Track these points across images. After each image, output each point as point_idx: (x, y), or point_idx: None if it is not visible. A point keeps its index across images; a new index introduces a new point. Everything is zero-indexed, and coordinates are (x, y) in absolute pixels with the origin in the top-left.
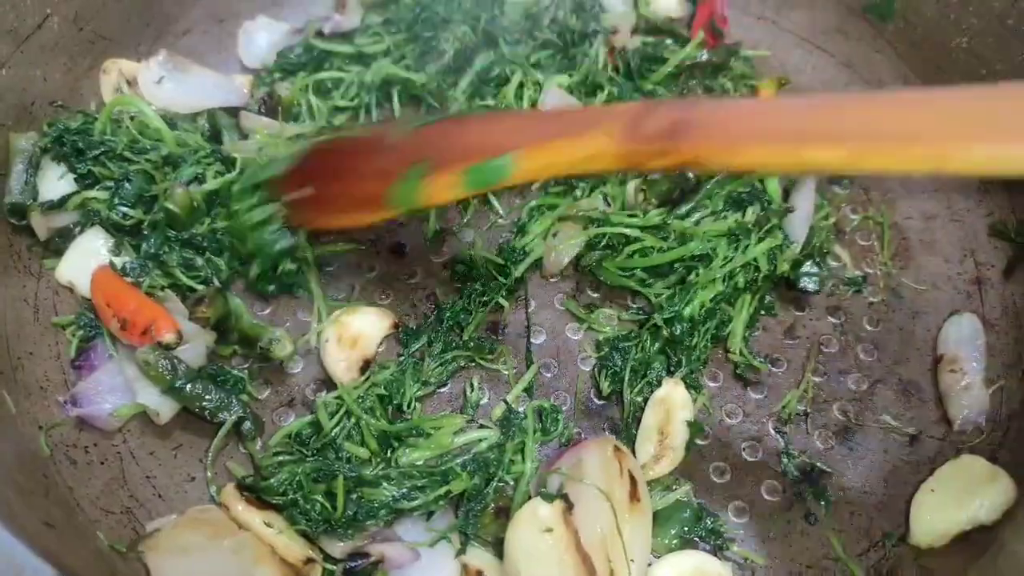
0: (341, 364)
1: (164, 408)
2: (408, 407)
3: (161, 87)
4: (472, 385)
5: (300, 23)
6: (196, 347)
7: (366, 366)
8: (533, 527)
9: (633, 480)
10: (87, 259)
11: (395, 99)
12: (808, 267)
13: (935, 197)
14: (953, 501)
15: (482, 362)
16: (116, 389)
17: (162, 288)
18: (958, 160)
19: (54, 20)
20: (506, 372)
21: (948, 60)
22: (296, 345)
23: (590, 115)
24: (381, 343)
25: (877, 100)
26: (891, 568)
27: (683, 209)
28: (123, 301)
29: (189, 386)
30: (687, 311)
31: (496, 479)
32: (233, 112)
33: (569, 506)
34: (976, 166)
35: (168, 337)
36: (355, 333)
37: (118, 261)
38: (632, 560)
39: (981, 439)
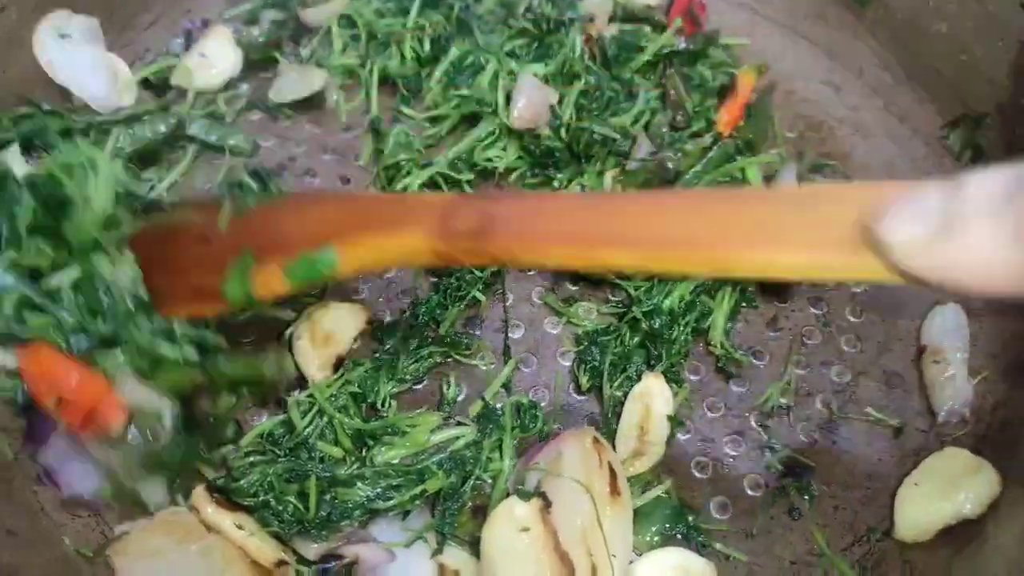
0: (314, 362)
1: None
2: (383, 405)
3: (59, 44)
4: (449, 382)
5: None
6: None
7: (339, 363)
8: (510, 526)
9: (613, 473)
10: None
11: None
12: None
13: None
14: (937, 494)
15: (459, 358)
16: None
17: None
18: (738, 265)
19: (11, 12)
20: (484, 368)
21: (927, 46)
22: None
23: (404, 206)
24: (355, 340)
25: (663, 202)
26: (876, 563)
27: None
28: (58, 377)
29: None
30: (666, 304)
31: (473, 477)
32: None
33: (547, 504)
34: (756, 271)
35: (115, 427)
36: (327, 330)
37: None
38: (614, 556)
39: (965, 430)
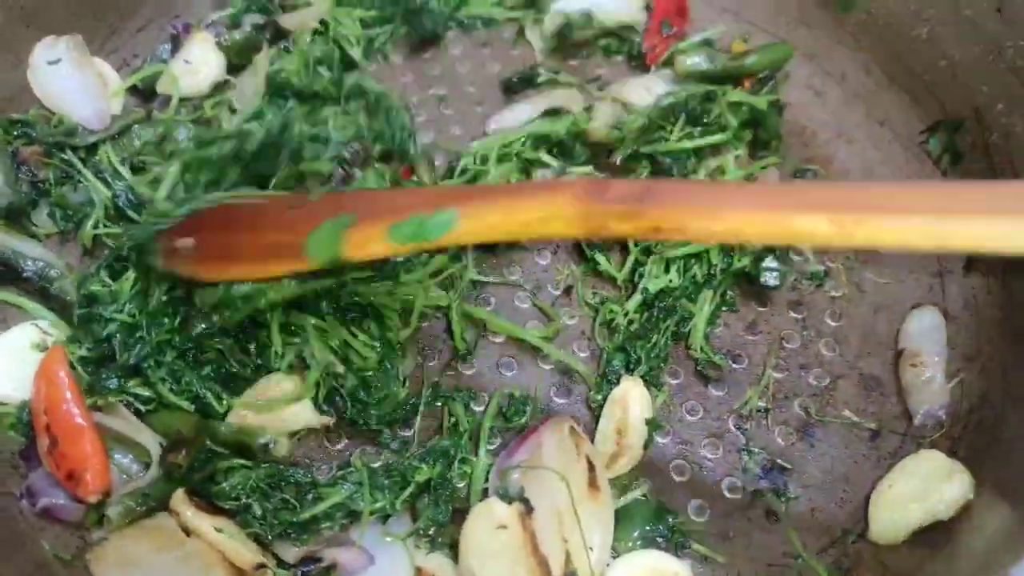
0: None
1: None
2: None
3: (50, 70)
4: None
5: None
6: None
7: None
8: (488, 524)
9: (591, 466)
10: (16, 361)
11: None
12: (769, 262)
13: None
14: (911, 497)
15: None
16: None
17: (105, 400)
18: (958, 235)
19: None
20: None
21: (909, 50)
22: (293, 441)
23: (545, 183)
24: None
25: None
26: (852, 564)
27: None
28: (62, 419)
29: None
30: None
31: (457, 461)
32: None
33: (528, 509)
34: (976, 241)
35: (91, 498)
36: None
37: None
38: (590, 548)
39: (941, 433)
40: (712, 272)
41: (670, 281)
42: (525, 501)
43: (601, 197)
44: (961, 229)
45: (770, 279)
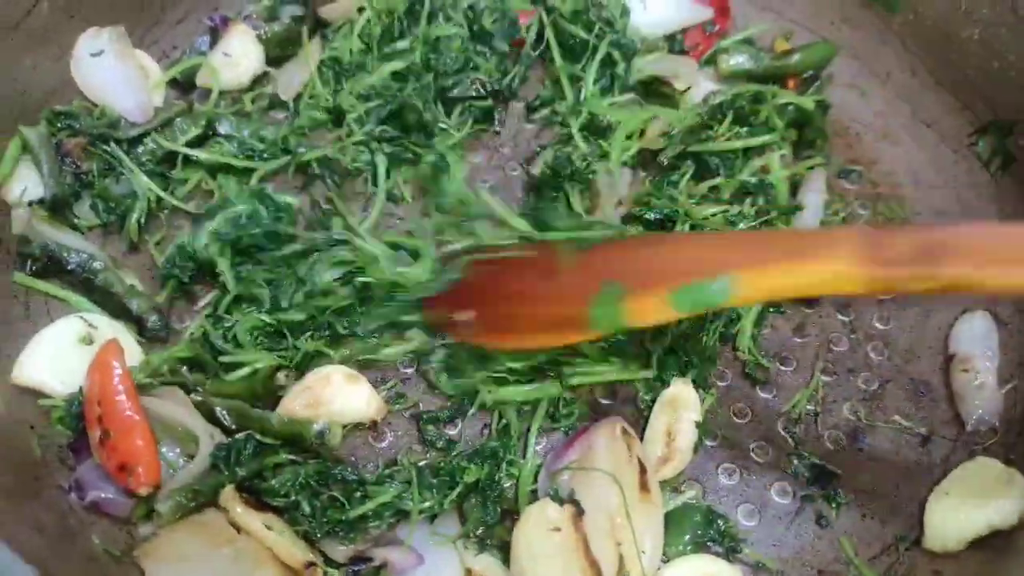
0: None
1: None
2: None
3: (93, 62)
4: None
5: None
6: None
7: None
8: (541, 526)
9: (643, 468)
10: (63, 355)
11: None
12: None
13: (945, 193)
14: (968, 504)
15: None
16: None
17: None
18: None
19: (43, 7)
20: None
21: (958, 52)
22: (344, 429)
23: (818, 237)
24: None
25: None
26: (905, 572)
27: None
28: (115, 412)
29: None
30: None
31: (505, 463)
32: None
33: (579, 512)
34: None
35: (142, 490)
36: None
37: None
38: (643, 552)
39: (994, 440)
40: None
41: None
42: (576, 503)
43: (885, 255)
44: None
45: None
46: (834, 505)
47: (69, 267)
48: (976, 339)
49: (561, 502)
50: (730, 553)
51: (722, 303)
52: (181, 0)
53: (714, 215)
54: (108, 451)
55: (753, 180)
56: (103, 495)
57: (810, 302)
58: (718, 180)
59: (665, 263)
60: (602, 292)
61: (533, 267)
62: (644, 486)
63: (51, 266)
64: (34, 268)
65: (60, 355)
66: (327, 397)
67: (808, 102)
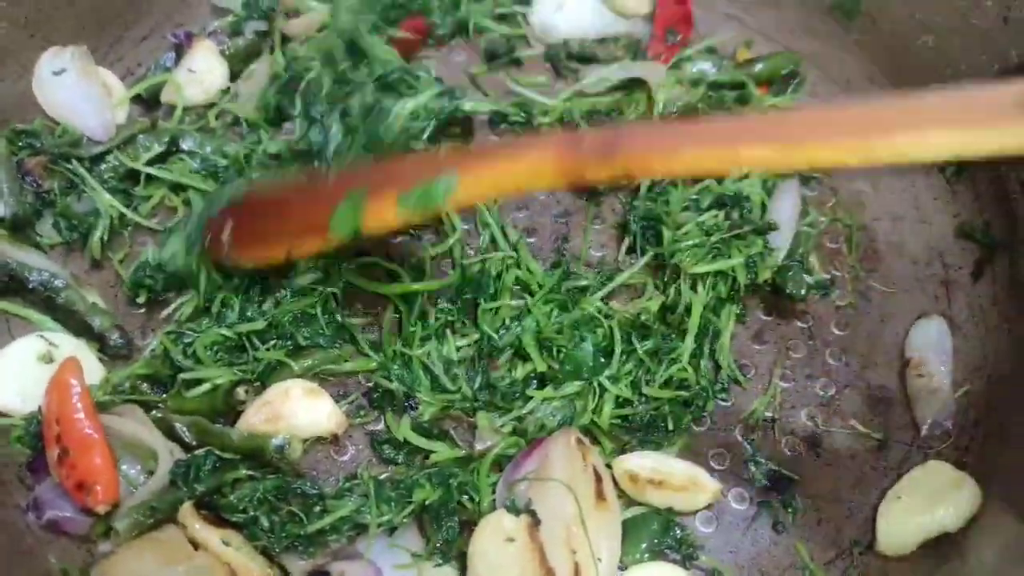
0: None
1: None
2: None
3: (55, 80)
4: None
5: None
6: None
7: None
8: (497, 537)
9: (598, 477)
10: (23, 373)
11: None
12: (795, 272)
13: (903, 198)
14: (919, 508)
15: None
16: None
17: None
18: (883, 149)
19: (3, 25)
20: None
21: (914, 59)
22: (304, 444)
23: (527, 140)
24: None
25: (798, 112)
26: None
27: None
28: (74, 430)
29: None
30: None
31: (461, 489)
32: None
33: (535, 521)
34: (899, 154)
35: (100, 508)
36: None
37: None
38: (599, 559)
39: (948, 443)
40: (736, 289)
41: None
42: (532, 513)
43: (578, 148)
44: (883, 144)
45: (797, 289)
46: (790, 511)
47: (30, 286)
48: (931, 344)
49: (517, 512)
50: (687, 560)
51: (446, 197)
52: (145, 17)
53: (697, 224)
54: (67, 469)
55: (730, 192)
56: (61, 514)
57: (768, 309)
58: (699, 187)
59: (404, 172)
60: (347, 198)
61: (296, 189)
62: (600, 495)
63: (12, 285)
64: None
65: (20, 374)
66: (287, 411)
67: (789, 103)
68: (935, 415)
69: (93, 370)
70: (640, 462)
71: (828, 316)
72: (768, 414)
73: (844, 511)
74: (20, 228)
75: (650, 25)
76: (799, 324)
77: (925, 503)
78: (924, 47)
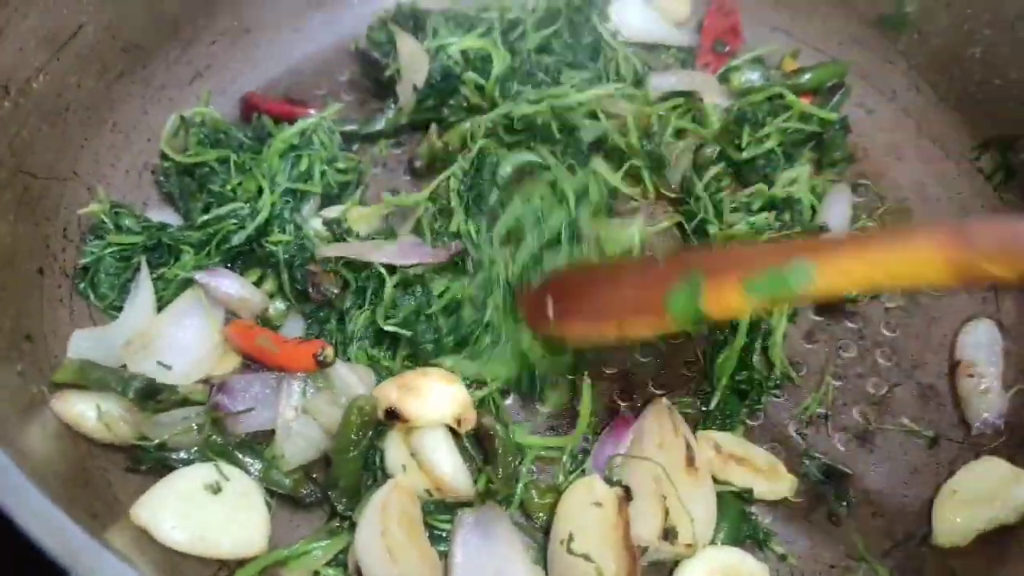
0: None
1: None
2: None
3: None
4: None
5: None
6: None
7: None
8: (586, 499)
9: (689, 446)
10: (185, 504)
11: None
12: None
13: (949, 206)
14: (975, 501)
15: None
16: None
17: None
18: None
19: (88, 29)
20: None
21: (962, 70)
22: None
23: (901, 232)
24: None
25: None
26: (916, 568)
27: None
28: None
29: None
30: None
31: None
32: None
33: (628, 497)
34: None
35: (327, 352)
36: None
37: None
38: (692, 519)
39: (999, 442)
40: None
41: None
42: (627, 489)
43: (971, 242)
44: None
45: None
46: (844, 504)
47: None
48: (981, 346)
49: (611, 484)
50: (762, 545)
51: (801, 288)
52: (213, 22)
53: (748, 224)
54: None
55: (782, 194)
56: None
57: (819, 310)
58: (753, 188)
59: (742, 256)
60: (680, 282)
61: (615, 269)
62: (691, 462)
63: None
64: None
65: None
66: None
67: (832, 116)
68: (986, 414)
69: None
70: (724, 438)
71: (878, 317)
72: (820, 410)
73: (898, 505)
74: None
75: (698, 35)
76: (849, 325)
77: (982, 497)
78: (972, 58)
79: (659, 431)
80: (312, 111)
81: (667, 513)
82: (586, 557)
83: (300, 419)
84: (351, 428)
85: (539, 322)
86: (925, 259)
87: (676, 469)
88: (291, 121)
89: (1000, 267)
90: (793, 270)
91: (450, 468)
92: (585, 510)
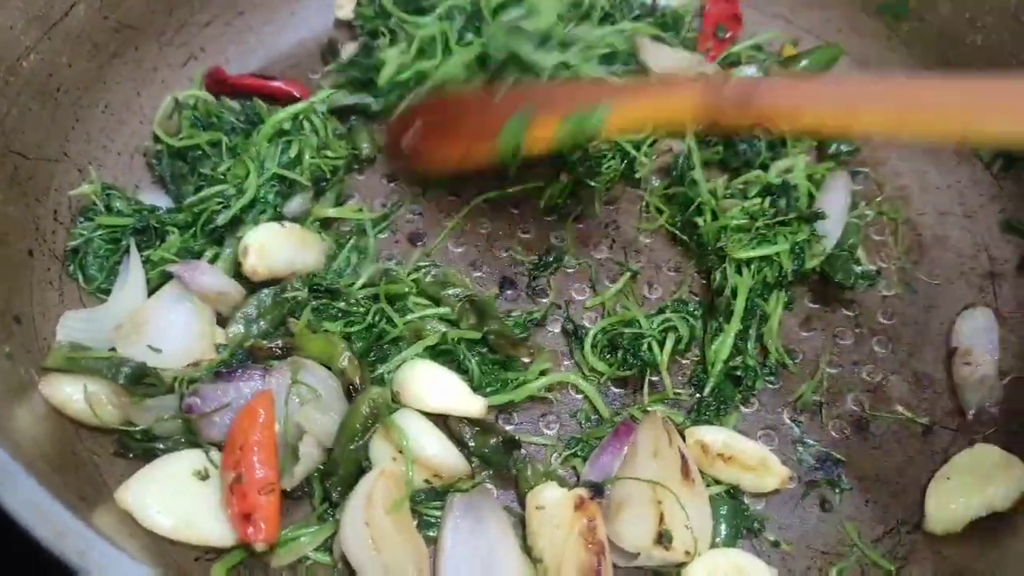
0: None
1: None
2: None
3: None
4: None
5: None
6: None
7: None
8: (537, 502)
9: (683, 457)
10: (171, 489)
11: None
12: (843, 261)
13: (948, 194)
14: (968, 488)
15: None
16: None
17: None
18: (978, 132)
19: (80, 8)
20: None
21: (962, 58)
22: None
23: (676, 80)
24: None
25: (918, 80)
26: (907, 554)
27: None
28: (250, 462)
29: None
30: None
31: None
32: None
33: (595, 496)
34: (993, 137)
35: (258, 546)
36: None
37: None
38: (689, 527)
39: (994, 429)
40: (783, 275)
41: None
42: (595, 487)
43: (719, 94)
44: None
45: (850, 279)
46: (837, 491)
47: None
48: (978, 333)
49: (590, 487)
50: (757, 533)
51: (596, 129)
52: (208, 4)
53: (742, 209)
54: (237, 497)
55: (777, 181)
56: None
57: (816, 298)
58: (748, 175)
59: (568, 96)
60: (518, 113)
61: (478, 95)
62: (686, 474)
63: None
64: None
65: (167, 486)
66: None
67: None
68: (981, 402)
69: None
70: (713, 435)
71: (875, 305)
72: (815, 398)
73: (891, 491)
74: None
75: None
76: (846, 313)
77: (975, 483)
78: (972, 46)
79: (654, 441)
80: (279, 83)
81: (661, 517)
82: (539, 559)
83: (305, 439)
84: (358, 418)
85: (397, 150)
86: (685, 105)
87: (671, 479)
88: (272, 100)
89: (732, 117)
90: (595, 112)
91: (437, 448)
92: (537, 512)
